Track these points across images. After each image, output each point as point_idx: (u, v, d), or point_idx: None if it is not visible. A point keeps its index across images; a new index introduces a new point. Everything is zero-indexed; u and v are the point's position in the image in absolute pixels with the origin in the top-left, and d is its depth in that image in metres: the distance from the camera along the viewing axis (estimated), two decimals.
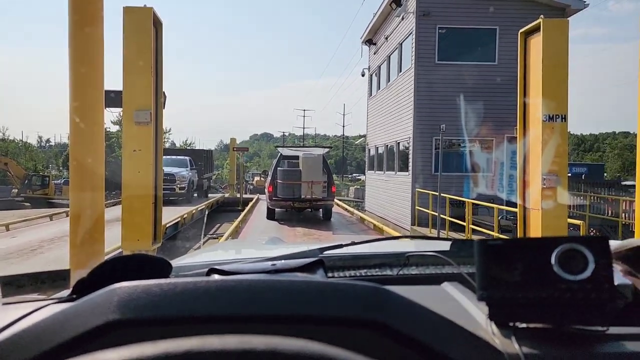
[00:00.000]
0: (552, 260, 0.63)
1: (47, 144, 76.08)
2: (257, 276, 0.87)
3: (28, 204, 23.96)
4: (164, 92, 6.26)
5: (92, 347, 0.51)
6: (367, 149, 20.26)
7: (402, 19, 14.33)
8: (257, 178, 35.99)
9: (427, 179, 12.99)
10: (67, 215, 4.01)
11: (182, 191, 18.13)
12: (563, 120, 5.62)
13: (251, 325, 0.53)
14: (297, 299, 0.55)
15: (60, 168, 43.06)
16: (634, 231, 3.88)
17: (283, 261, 0.97)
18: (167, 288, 0.56)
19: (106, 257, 5.26)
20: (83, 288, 0.82)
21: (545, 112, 5.59)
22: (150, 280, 0.58)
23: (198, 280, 0.57)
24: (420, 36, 13.26)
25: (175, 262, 1.44)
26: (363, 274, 1.16)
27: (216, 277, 0.91)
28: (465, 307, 0.75)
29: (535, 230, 5.73)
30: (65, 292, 0.93)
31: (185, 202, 17.43)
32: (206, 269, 0.97)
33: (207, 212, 14.67)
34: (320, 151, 16.11)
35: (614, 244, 0.94)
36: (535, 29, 5.83)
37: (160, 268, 0.87)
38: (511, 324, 0.65)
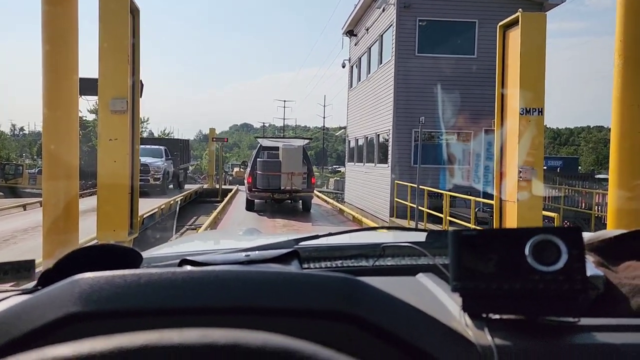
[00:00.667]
0: (526, 251, 0.63)
1: (21, 133, 74.44)
2: (229, 267, 0.86)
3: (1, 194, 23.42)
4: (140, 81, 6.15)
5: (52, 340, 0.49)
6: (347, 141, 20.28)
7: (383, 10, 14.32)
8: (236, 169, 35.73)
9: (406, 170, 13.07)
10: (42, 205, 3.91)
11: (157, 182, 17.37)
12: (540, 113, 5.70)
13: (218, 318, 0.52)
14: (266, 291, 0.54)
15: (35, 157, 42.18)
16: (606, 223, 3.98)
17: (257, 252, 0.96)
18: (131, 279, 0.54)
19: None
20: (48, 279, 0.80)
21: (522, 105, 5.66)
22: (115, 271, 0.56)
23: (164, 271, 0.55)
24: (400, 28, 13.27)
25: (148, 253, 1.42)
26: (338, 265, 1.15)
27: (188, 267, 0.89)
28: (439, 298, 0.74)
29: (511, 222, 5.81)
30: (32, 284, 0.90)
31: (159, 193, 16.75)
32: (178, 260, 0.96)
33: (179, 206, 14.27)
34: (301, 142, 16.06)
35: (586, 235, 0.94)
36: (514, 23, 5.88)
37: (130, 259, 0.85)
38: (484, 315, 0.64)
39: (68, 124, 3.66)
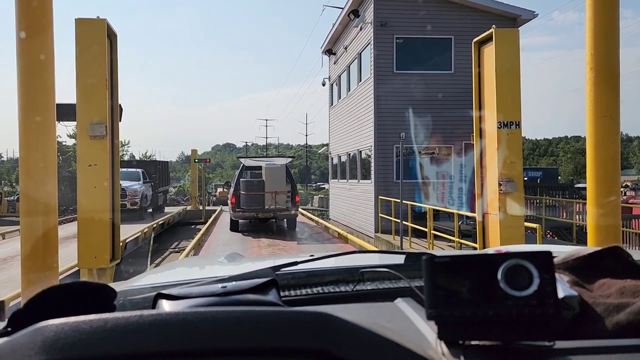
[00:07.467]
0: (499, 277, 0.64)
1: None
2: (203, 301, 0.85)
3: None
4: (120, 104, 6.12)
5: None
6: (330, 158, 20.33)
7: (361, 29, 14.51)
8: (219, 189, 35.58)
9: (389, 186, 13.13)
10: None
11: (135, 207, 16.30)
12: (517, 126, 5.79)
13: None
14: (235, 331, 0.53)
15: (13, 184, 41.40)
16: (586, 231, 4.03)
17: (234, 283, 0.95)
18: (97, 325, 0.53)
19: (61, 277, 5.05)
20: (19, 320, 0.78)
21: (499, 119, 5.75)
22: (81, 316, 0.55)
23: (131, 315, 0.54)
24: (378, 46, 13.44)
25: (126, 284, 1.39)
26: (319, 292, 1.14)
27: (164, 303, 0.88)
28: (416, 325, 0.74)
29: (494, 234, 5.86)
30: (2, 324, 0.88)
31: (137, 218, 15.75)
32: (154, 293, 0.94)
33: (153, 235, 13.59)
34: (283, 161, 16.07)
35: (561, 253, 0.95)
36: (488, 39, 6.01)
37: (103, 296, 0.83)
38: (460, 342, 0.64)
39: (45, 165, 3.50)
